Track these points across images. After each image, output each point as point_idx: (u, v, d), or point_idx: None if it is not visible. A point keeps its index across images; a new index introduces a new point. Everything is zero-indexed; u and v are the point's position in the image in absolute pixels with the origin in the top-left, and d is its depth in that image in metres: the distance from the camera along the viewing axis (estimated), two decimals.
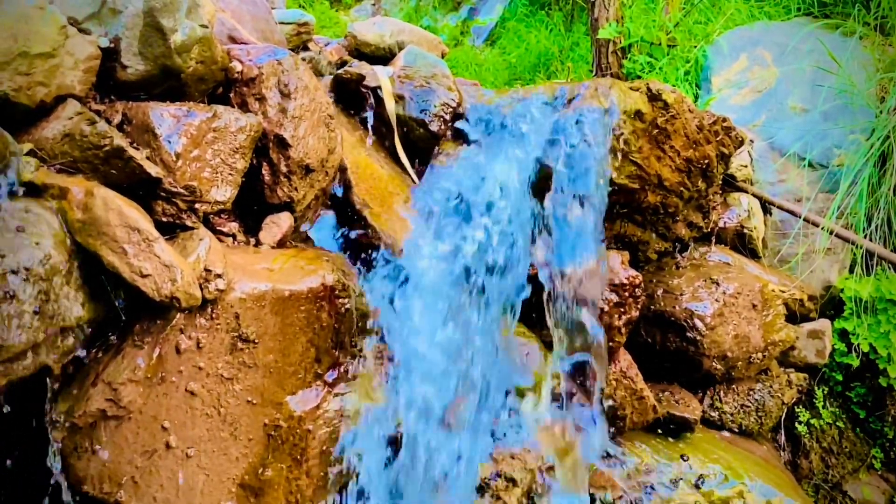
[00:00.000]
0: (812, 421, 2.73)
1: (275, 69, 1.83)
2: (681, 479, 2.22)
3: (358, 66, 2.32)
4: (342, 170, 2.03)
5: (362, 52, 2.89)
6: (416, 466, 1.83)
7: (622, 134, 2.15)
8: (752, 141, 2.78)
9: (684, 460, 2.27)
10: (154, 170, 1.54)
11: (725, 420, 2.55)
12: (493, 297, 1.99)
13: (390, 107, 2.25)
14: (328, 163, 1.93)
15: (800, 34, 3.05)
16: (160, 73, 1.64)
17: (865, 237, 2.61)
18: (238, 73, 1.82)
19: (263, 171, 1.82)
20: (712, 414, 2.55)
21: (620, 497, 2.14)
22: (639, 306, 2.27)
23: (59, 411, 1.43)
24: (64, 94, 1.49)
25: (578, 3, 5.14)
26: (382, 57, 2.81)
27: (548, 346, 2.15)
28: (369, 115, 2.27)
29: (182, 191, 1.60)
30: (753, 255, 2.65)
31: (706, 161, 2.35)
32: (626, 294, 2.23)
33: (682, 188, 2.35)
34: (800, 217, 2.60)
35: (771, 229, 2.71)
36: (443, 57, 2.92)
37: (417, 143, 2.29)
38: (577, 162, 2.09)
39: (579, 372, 2.16)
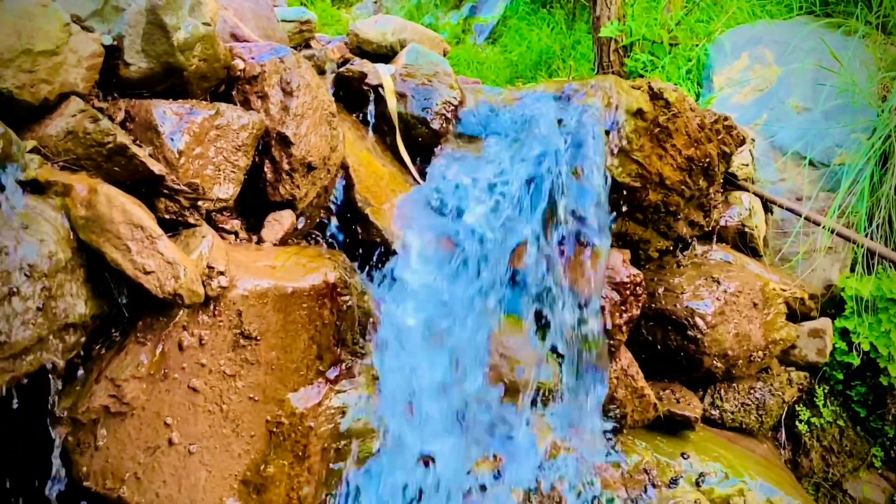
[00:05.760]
0: (812, 419, 2.73)
1: (277, 67, 1.83)
2: (681, 477, 2.22)
3: (360, 64, 2.32)
4: (344, 168, 2.03)
5: (364, 50, 2.88)
6: None
7: (624, 132, 2.15)
8: (753, 140, 2.78)
9: (685, 458, 2.27)
10: (157, 167, 1.54)
11: (726, 418, 2.56)
12: (489, 291, 1.99)
13: (392, 105, 2.25)
14: (330, 161, 1.94)
15: (801, 33, 3.04)
16: (163, 71, 1.64)
17: (866, 236, 2.61)
18: (240, 70, 1.82)
19: (266, 169, 1.82)
20: (713, 412, 2.55)
21: (621, 495, 2.14)
22: (640, 305, 2.27)
23: (62, 407, 1.44)
24: (67, 92, 1.49)
25: (580, 1, 5.14)
26: (384, 55, 2.81)
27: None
28: (371, 113, 2.27)
29: (185, 188, 1.60)
30: (754, 253, 2.65)
31: (707, 160, 2.35)
32: (628, 292, 2.23)
33: (683, 187, 2.35)
34: (801, 216, 2.60)
35: (772, 228, 2.72)
36: (444, 55, 2.92)
37: (419, 142, 2.29)
38: (577, 160, 2.09)
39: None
